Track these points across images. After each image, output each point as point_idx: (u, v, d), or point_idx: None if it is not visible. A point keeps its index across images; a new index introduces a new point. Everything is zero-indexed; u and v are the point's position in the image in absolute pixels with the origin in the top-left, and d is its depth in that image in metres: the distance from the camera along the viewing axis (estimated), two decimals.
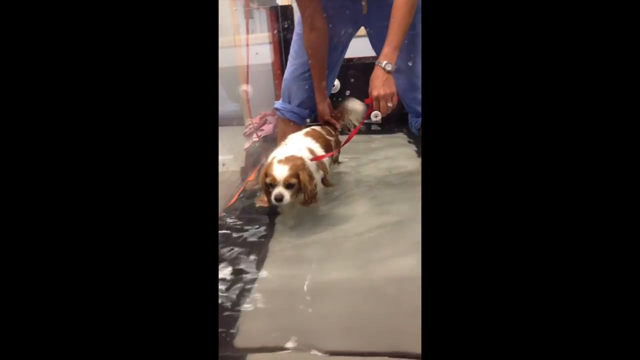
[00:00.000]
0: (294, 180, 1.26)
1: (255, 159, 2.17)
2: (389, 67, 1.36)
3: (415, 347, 0.77)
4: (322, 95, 1.62)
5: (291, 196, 1.27)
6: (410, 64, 1.51)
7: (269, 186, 1.29)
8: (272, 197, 1.27)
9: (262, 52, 2.53)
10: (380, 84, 1.36)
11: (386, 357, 0.80)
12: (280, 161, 1.29)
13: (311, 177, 1.31)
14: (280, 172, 1.26)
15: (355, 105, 1.76)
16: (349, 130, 1.76)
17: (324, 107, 1.65)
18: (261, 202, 1.52)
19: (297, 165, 1.28)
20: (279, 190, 1.26)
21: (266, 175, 1.29)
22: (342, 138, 1.67)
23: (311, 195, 1.30)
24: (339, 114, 1.75)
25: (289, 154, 1.32)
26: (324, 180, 1.45)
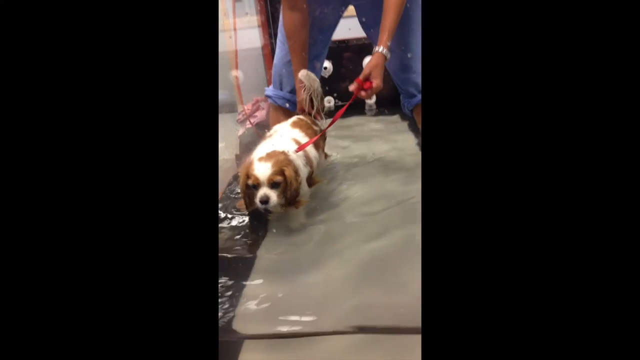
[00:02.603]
0: (279, 178, 1.13)
1: (249, 146, 2.16)
2: (389, 55, 1.33)
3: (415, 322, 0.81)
4: (302, 83, 1.51)
5: (278, 197, 1.14)
6: (402, 48, 1.49)
7: (252, 188, 1.16)
8: (257, 200, 1.13)
9: (250, 36, 2.48)
10: (381, 73, 1.33)
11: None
12: (261, 159, 1.15)
13: (297, 173, 1.18)
14: (263, 170, 1.12)
15: (304, 77, 1.47)
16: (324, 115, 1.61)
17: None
18: (241, 205, 1.36)
19: (280, 161, 1.15)
20: (264, 191, 1.13)
21: (247, 176, 1.15)
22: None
23: (294, 194, 1.16)
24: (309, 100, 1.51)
25: (270, 149, 1.19)
26: (308, 180, 1.29)
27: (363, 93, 1.37)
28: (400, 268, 1.02)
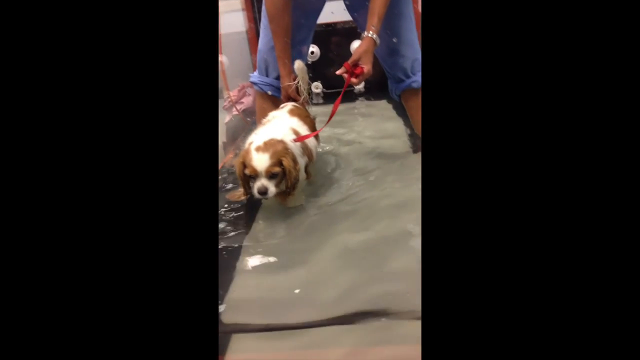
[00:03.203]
0: (277, 170, 1.11)
1: (236, 133, 2.13)
2: (379, 40, 1.30)
3: (411, 306, 0.81)
4: (288, 69, 1.46)
5: (276, 187, 1.13)
6: (388, 32, 1.46)
7: (249, 178, 1.14)
8: (255, 191, 1.12)
9: (234, 20, 2.42)
10: (371, 59, 1.29)
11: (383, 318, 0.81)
12: (258, 148, 1.12)
13: (295, 161, 1.16)
14: (261, 161, 1.10)
15: (300, 69, 1.45)
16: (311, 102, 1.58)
17: (289, 80, 1.47)
18: (233, 196, 1.35)
19: (278, 151, 1.12)
20: (262, 182, 1.11)
21: (244, 165, 1.13)
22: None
23: (293, 185, 1.15)
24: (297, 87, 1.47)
25: (267, 137, 1.16)
26: (307, 169, 1.29)
27: (354, 79, 1.33)
28: (392, 255, 1.02)
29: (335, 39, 2.54)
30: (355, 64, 1.32)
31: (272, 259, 1.07)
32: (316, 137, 1.41)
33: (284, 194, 1.20)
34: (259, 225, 1.24)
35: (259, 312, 0.90)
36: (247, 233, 1.18)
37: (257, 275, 1.02)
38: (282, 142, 1.16)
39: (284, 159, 1.12)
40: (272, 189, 1.12)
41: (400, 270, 0.96)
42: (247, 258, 1.08)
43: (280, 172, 1.13)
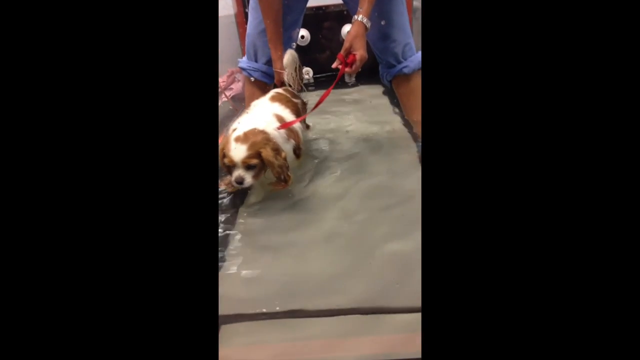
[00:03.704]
0: (254, 161, 1.11)
1: (226, 120, 2.09)
2: (369, 24, 1.26)
3: (404, 302, 0.81)
4: (280, 52, 1.45)
5: (254, 177, 1.13)
6: (376, 14, 1.43)
7: (229, 168, 1.15)
8: (233, 180, 1.13)
9: (222, 3, 2.35)
10: (363, 44, 1.26)
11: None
12: (238, 139, 1.12)
13: (278, 151, 1.15)
14: (238, 152, 1.10)
15: (290, 60, 1.46)
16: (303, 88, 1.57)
17: (282, 64, 1.47)
18: (225, 185, 1.35)
19: (257, 143, 1.11)
20: (239, 172, 1.12)
21: (224, 154, 1.14)
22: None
23: (281, 172, 1.14)
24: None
25: (247, 128, 1.15)
26: (296, 151, 1.29)
27: (348, 69, 1.30)
28: (384, 243, 1.02)
29: (326, 23, 2.49)
30: (348, 52, 1.29)
31: (259, 249, 1.06)
32: (303, 119, 1.40)
33: (276, 184, 1.19)
34: (245, 213, 1.23)
35: (247, 302, 0.88)
36: (234, 221, 1.17)
37: (243, 264, 1.00)
38: (263, 132, 1.15)
39: (262, 150, 1.12)
40: (248, 179, 1.12)
41: (395, 259, 0.95)
42: (234, 246, 1.07)
43: (259, 163, 1.13)
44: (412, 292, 0.80)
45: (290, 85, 1.49)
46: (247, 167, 1.12)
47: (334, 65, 1.32)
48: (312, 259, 1.00)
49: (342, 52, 1.30)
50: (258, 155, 1.12)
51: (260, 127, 1.16)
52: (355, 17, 1.28)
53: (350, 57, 1.29)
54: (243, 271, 0.98)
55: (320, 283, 0.91)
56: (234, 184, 1.14)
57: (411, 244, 0.97)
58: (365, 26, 1.28)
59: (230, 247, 1.07)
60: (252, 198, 1.28)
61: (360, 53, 1.28)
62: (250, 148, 1.11)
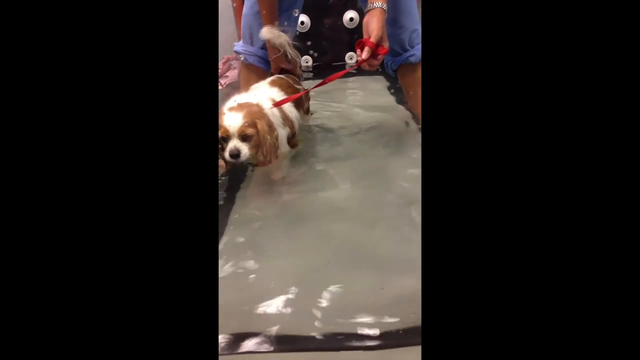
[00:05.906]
0: (251, 131, 1.03)
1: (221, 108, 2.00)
2: (385, 7, 1.13)
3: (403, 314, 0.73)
4: None
5: (250, 150, 1.05)
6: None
7: (222, 141, 1.06)
8: (227, 154, 1.04)
9: None
10: (386, 35, 1.12)
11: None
12: (232, 109, 1.05)
13: (271, 127, 1.09)
14: (233, 121, 1.03)
15: (266, 35, 1.32)
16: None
17: (277, 50, 1.36)
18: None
19: (253, 112, 1.05)
20: (234, 143, 1.03)
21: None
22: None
23: (270, 150, 1.07)
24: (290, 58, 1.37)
25: (242, 101, 1.09)
26: (289, 141, 1.23)
27: (375, 62, 1.15)
28: (382, 244, 0.95)
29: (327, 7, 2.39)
30: (379, 44, 1.13)
31: (253, 248, 0.98)
32: (300, 108, 1.29)
33: (263, 163, 1.11)
34: (238, 212, 1.14)
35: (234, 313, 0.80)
36: (227, 216, 1.08)
37: (233, 263, 0.92)
38: (258, 105, 1.08)
39: (258, 121, 1.04)
40: (245, 151, 1.04)
41: (392, 263, 0.88)
42: (228, 245, 0.98)
43: (255, 134, 1.04)
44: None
45: (289, 62, 1.37)
46: (243, 137, 1.04)
47: (364, 55, 1.13)
48: (308, 263, 0.92)
49: (372, 39, 1.12)
50: (254, 125, 1.03)
51: (254, 102, 1.08)
52: (374, 4, 1.14)
53: (381, 49, 1.14)
54: (238, 270, 0.90)
55: (317, 290, 0.83)
56: (228, 158, 1.05)
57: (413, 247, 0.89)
58: (385, 12, 1.15)
59: (222, 245, 0.99)
60: (278, 173, 1.18)
61: (387, 44, 1.15)
62: (246, 116, 1.04)
